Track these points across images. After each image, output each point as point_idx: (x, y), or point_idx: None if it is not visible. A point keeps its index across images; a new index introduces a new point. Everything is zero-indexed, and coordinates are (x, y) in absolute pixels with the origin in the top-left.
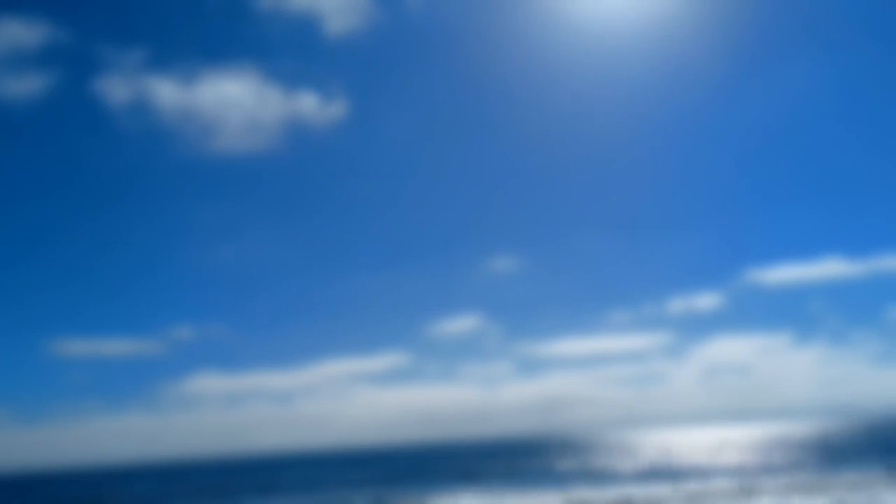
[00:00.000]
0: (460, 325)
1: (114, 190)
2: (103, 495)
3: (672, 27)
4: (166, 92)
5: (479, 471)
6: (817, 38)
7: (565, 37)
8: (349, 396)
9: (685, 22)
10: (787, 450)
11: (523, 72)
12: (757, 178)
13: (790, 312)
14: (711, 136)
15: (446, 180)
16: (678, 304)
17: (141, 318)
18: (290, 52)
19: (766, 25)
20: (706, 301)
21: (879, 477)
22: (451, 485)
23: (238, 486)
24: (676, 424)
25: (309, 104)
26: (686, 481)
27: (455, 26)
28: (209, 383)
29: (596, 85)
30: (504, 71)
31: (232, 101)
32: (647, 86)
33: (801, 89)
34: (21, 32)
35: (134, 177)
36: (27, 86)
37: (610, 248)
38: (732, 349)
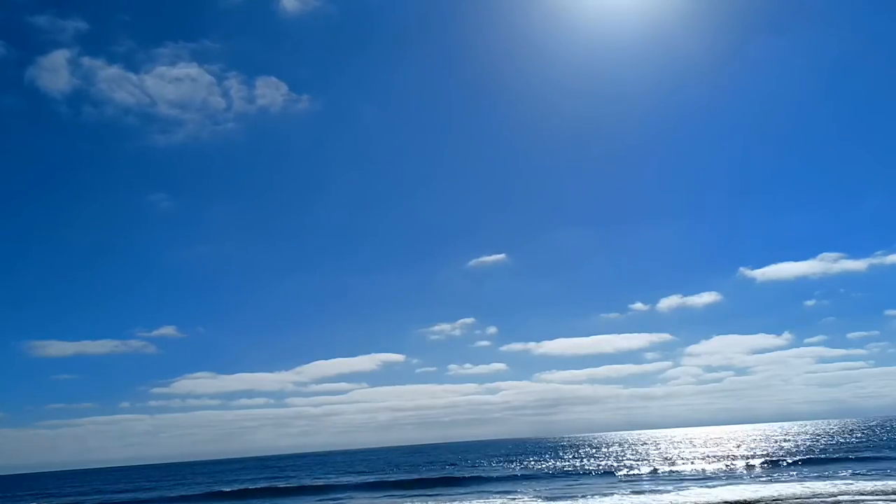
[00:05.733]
0: (454, 325)
1: (80, 185)
2: (98, 493)
3: (663, 16)
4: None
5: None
6: (814, 30)
7: (551, 21)
8: (343, 397)
9: (677, 10)
10: (785, 448)
11: (506, 58)
12: (754, 175)
13: (789, 311)
14: (707, 132)
15: (434, 177)
16: (675, 304)
17: (128, 319)
18: (246, 31)
19: (761, 19)
20: (703, 300)
21: (878, 474)
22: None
23: (234, 485)
24: (674, 425)
25: (271, 91)
26: (680, 477)
27: (432, 5)
28: (202, 384)
29: (586, 77)
30: (486, 58)
31: (186, 86)
32: (639, 80)
33: (799, 83)
34: None
35: (94, 170)
36: None
37: (605, 247)
38: (730, 349)
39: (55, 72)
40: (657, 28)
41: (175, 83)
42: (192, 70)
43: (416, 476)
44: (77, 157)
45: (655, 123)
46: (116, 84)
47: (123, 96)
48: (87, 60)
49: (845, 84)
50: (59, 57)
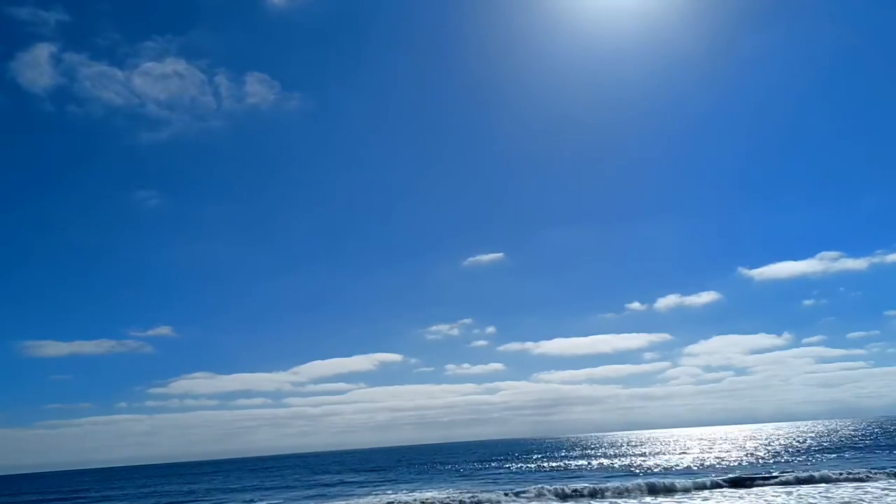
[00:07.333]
0: (452, 325)
1: (70, 184)
2: (96, 493)
3: (661, 15)
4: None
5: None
6: (813, 27)
7: (547, 20)
8: (342, 397)
9: (674, 9)
10: (785, 447)
11: (502, 56)
12: (752, 174)
13: (788, 311)
14: (705, 131)
15: (430, 176)
16: (673, 304)
17: (123, 319)
18: (235, 24)
19: (760, 15)
20: (702, 300)
21: (877, 475)
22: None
23: (233, 486)
24: (674, 425)
25: (262, 89)
26: (676, 476)
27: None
28: (199, 384)
29: (583, 77)
30: (481, 55)
31: (174, 84)
32: (636, 79)
33: (797, 81)
34: None
35: (84, 169)
36: None
37: (603, 246)
38: (729, 349)
39: (38, 68)
40: (655, 27)
41: (163, 80)
42: (180, 66)
43: None
44: (66, 155)
45: (653, 122)
46: (101, 83)
47: (110, 95)
48: (70, 56)
49: (844, 81)
50: (42, 51)
